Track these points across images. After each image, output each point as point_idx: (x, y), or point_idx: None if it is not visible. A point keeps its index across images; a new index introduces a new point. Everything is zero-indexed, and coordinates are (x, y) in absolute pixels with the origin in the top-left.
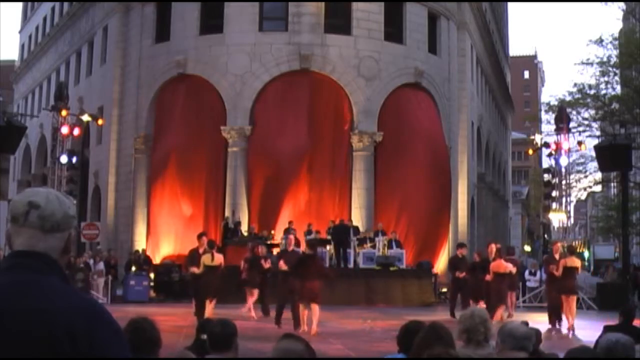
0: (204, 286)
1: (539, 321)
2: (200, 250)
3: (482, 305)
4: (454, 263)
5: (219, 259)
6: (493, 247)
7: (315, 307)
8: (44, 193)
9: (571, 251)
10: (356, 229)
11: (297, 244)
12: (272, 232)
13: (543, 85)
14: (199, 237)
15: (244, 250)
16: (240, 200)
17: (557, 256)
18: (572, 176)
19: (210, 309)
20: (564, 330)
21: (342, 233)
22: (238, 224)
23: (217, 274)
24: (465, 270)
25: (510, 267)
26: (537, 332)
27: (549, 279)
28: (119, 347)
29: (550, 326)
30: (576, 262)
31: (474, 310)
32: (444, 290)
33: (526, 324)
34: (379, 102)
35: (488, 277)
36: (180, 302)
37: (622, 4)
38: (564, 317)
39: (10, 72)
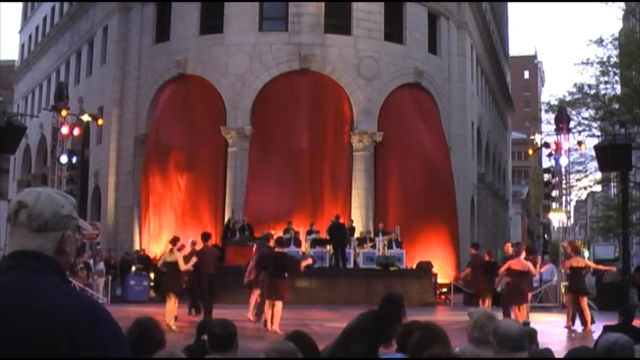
0: (163, 283)
1: (539, 321)
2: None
3: (484, 304)
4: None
5: (174, 257)
6: (509, 246)
7: (279, 305)
8: (35, 192)
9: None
10: (352, 229)
11: (298, 243)
12: (272, 232)
13: (543, 85)
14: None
15: (244, 249)
16: (240, 200)
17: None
18: (572, 176)
19: (170, 305)
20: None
21: (338, 231)
22: (236, 223)
23: (176, 271)
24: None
25: (529, 266)
26: (533, 331)
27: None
28: (119, 348)
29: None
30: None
31: (486, 312)
32: (444, 290)
33: (527, 323)
34: (379, 102)
35: (504, 275)
36: (180, 302)
37: (622, 4)
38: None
39: (10, 72)
